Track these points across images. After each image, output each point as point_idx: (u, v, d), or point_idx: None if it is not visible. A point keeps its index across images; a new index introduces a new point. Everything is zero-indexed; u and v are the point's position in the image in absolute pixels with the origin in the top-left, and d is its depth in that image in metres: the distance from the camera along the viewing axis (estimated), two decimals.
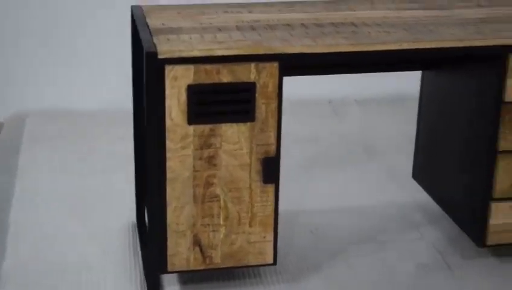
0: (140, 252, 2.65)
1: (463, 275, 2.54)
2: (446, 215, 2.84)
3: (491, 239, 2.49)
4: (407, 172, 3.09)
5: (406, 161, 3.21)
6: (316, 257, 2.62)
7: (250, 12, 2.57)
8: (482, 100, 2.44)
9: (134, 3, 3.06)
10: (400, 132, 3.57)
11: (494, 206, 2.46)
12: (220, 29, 2.36)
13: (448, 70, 2.62)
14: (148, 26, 2.38)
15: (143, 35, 2.29)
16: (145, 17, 2.47)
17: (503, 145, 2.41)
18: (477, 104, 2.46)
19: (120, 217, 2.86)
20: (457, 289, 2.48)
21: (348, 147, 3.45)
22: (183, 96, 2.19)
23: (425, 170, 2.85)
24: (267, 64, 2.20)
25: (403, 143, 3.44)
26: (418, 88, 3.57)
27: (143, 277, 2.52)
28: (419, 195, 2.97)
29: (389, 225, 2.83)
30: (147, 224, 2.80)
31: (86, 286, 2.46)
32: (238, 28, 2.37)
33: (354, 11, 2.60)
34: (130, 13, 3.09)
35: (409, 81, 3.86)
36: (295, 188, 3.04)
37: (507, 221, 2.48)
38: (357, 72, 2.61)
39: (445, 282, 2.51)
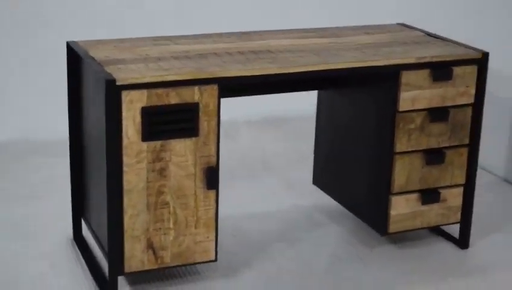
0: (84, 263, 2.93)
1: (370, 261, 2.99)
2: (344, 213, 3.30)
3: (392, 228, 2.96)
4: (305, 180, 3.53)
5: (301, 171, 3.66)
6: (243, 255, 3.00)
7: (176, 44, 2.93)
8: (380, 111, 2.91)
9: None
10: (288, 148, 4.02)
11: (393, 199, 2.93)
12: (159, 59, 2.71)
13: (348, 88, 3.08)
14: (94, 59, 2.69)
15: (95, 65, 2.61)
16: (87, 51, 2.78)
17: (398, 147, 2.88)
18: (376, 114, 2.93)
19: (56, 236, 3.12)
20: (367, 273, 2.92)
21: (245, 163, 3.85)
22: (138, 117, 2.52)
23: (326, 176, 3.29)
24: (208, 87, 2.58)
25: (294, 157, 3.89)
26: (298, 109, 4.08)
27: (93, 283, 2.80)
28: (318, 199, 3.41)
29: (298, 225, 3.24)
30: (84, 238, 3.09)
31: None
32: (175, 58, 2.73)
33: (264, 40, 3.02)
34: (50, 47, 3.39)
35: (290, 103, 4.33)
36: None
37: (403, 211, 2.95)
38: (278, 92, 3.03)
39: (355, 267, 2.94)
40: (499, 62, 3.53)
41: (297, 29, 3.21)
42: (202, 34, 3.07)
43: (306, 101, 4.11)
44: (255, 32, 3.15)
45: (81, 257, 2.98)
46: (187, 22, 4.24)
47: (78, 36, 3.61)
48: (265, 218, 3.30)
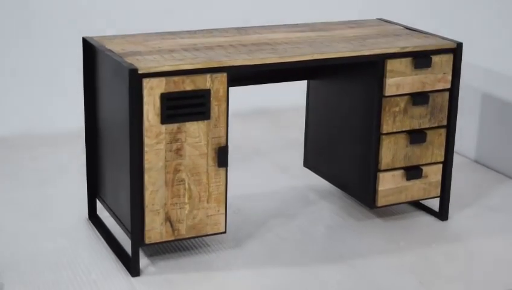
0: (102, 238, 3.22)
1: (360, 231, 3.32)
2: (334, 193, 3.63)
3: (380, 202, 3.28)
4: (296, 164, 3.85)
5: (291, 156, 3.98)
6: (246, 229, 3.31)
7: (182, 38, 3.23)
8: (367, 96, 3.23)
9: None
10: (276, 137, 4.34)
11: (381, 176, 3.25)
12: (171, 51, 3.01)
13: (336, 77, 3.40)
14: (113, 52, 2.98)
15: (116, 57, 2.90)
16: (103, 45, 3.07)
17: (385, 128, 3.21)
18: (363, 99, 3.26)
19: (71, 216, 3.39)
20: (360, 240, 3.24)
21: (237, 150, 4.15)
22: (158, 102, 2.82)
23: (317, 158, 3.61)
24: (219, 75, 2.88)
25: (283, 144, 4.21)
26: (284, 101, 4.42)
27: (113, 256, 3.09)
28: (309, 180, 3.73)
29: (293, 203, 3.56)
30: (99, 216, 3.37)
31: (71, 268, 3.00)
32: (185, 50, 3.03)
33: (261, 34, 3.33)
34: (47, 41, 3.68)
35: (275, 96, 4.65)
36: None
37: (390, 187, 3.28)
38: (274, 82, 3.36)
39: (349, 236, 3.27)
40: (470, 55, 3.88)
41: (288, 24, 3.53)
42: (204, 30, 3.37)
43: (291, 94, 4.44)
44: (249, 27, 3.45)
45: (98, 233, 3.26)
46: (175, 19, 4.53)
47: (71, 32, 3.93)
48: (262, 198, 3.61)
